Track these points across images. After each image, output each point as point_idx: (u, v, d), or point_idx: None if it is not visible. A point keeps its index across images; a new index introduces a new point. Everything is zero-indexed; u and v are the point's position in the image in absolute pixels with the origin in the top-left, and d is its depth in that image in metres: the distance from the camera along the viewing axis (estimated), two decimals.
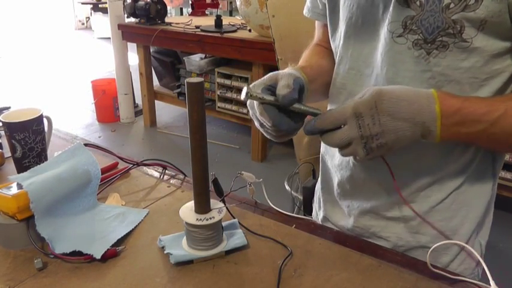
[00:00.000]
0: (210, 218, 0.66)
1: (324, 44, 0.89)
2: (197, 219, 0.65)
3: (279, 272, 0.63)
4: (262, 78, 0.67)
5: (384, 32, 0.67)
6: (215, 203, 0.69)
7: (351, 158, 0.78)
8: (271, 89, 0.64)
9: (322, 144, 0.92)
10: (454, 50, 0.61)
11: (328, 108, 0.85)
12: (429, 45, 0.62)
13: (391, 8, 0.64)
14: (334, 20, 0.78)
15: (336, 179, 0.84)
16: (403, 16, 0.63)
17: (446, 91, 0.62)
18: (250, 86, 0.63)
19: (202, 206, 0.66)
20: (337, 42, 0.78)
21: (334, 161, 0.84)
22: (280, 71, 0.67)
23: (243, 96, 0.61)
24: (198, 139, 0.62)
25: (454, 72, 0.63)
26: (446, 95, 0.59)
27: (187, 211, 0.67)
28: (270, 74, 0.66)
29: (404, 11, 0.63)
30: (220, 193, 0.72)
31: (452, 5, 0.59)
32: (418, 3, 0.61)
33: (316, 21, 0.90)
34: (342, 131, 0.59)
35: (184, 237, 0.69)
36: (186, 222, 0.66)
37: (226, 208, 0.69)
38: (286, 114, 0.63)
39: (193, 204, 0.67)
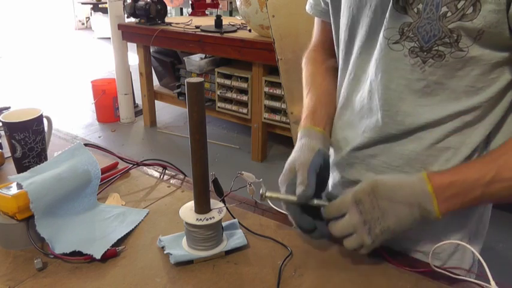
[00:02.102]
0: (210, 218, 0.65)
1: (321, 45, 0.88)
2: (197, 219, 0.65)
3: (279, 272, 0.63)
4: (284, 170, 0.69)
5: (379, 38, 0.66)
6: (215, 203, 0.69)
7: (344, 166, 0.79)
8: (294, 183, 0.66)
9: None
10: (451, 60, 0.60)
11: (335, 119, 0.85)
12: (425, 53, 0.62)
13: (387, 14, 0.63)
14: (337, 22, 0.78)
15: (330, 180, 0.84)
16: (400, 23, 0.62)
17: (434, 171, 0.63)
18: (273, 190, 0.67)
19: (202, 206, 0.66)
20: (341, 46, 0.78)
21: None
22: (296, 158, 0.69)
23: (257, 198, 0.67)
24: (198, 139, 0.62)
25: (449, 81, 0.62)
26: (436, 174, 0.61)
27: (187, 211, 0.67)
28: (289, 163, 0.69)
29: (402, 17, 0.62)
30: (220, 193, 0.72)
31: (449, 14, 0.58)
32: (415, 10, 0.60)
33: (316, 18, 0.90)
34: (345, 218, 0.62)
35: (184, 237, 0.69)
36: (186, 222, 0.66)
37: (226, 208, 0.69)
38: (307, 210, 0.66)
39: (193, 204, 0.67)
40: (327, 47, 0.87)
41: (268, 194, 0.66)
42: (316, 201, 0.66)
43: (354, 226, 0.61)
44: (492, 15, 0.56)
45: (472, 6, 0.56)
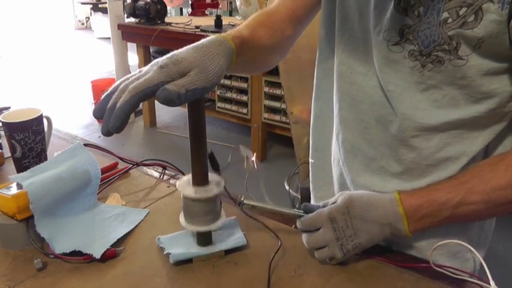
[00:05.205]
0: (209, 191, 0.64)
1: (284, 10, 0.79)
2: (195, 193, 0.64)
3: (269, 268, 0.63)
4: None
5: (379, 39, 0.65)
6: (213, 176, 0.67)
7: (341, 165, 0.79)
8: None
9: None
10: (450, 67, 0.60)
11: (313, 99, 0.86)
12: (424, 58, 0.61)
13: (388, 15, 0.63)
14: (332, 4, 0.75)
15: (334, 175, 0.84)
16: (400, 24, 0.62)
17: (407, 191, 0.64)
18: None
19: (200, 182, 0.65)
20: (326, 30, 0.77)
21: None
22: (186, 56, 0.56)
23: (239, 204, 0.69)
24: (198, 139, 0.62)
25: (448, 87, 0.62)
26: (408, 195, 0.63)
27: (185, 184, 0.66)
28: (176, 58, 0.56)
29: (402, 19, 0.62)
30: (216, 168, 0.69)
31: (450, 20, 0.57)
32: (416, 13, 0.60)
33: None
34: (319, 232, 0.64)
35: (182, 215, 0.68)
36: (185, 196, 0.65)
37: (225, 188, 0.67)
38: None
39: (190, 178, 0.66)
40: (295, 18, 0.80)
41: (246, 201, 0.68)
42: (292, 212, 0.68)
43: (326, 241, 0.64)
44: (493, 26, 0.55)
45: (473, 14, 0.55)
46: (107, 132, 0.52)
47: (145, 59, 3.63)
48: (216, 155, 0.68)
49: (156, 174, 0.95)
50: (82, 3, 8.98)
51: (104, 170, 0.91)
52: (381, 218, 0.62)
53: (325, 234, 0.63)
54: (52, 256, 0.67)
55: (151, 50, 3.71)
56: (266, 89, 2.93)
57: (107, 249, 0.67)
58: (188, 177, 0.67)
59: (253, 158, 0.73)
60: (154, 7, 3.37)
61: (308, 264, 0.66)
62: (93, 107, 3.93)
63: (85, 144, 0.86)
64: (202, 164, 0.64)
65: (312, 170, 0.92)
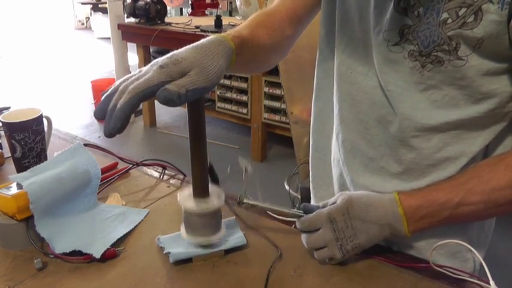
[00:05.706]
0: (210, 205, 0.65)
1: (284, 10, 0.79)
2: (197, 206, 0.64)
3: (267, 275, 0.63)
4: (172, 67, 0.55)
5: (379, 39, 0.65)
6: (213, 189, 0.68)
7: (341, 165, 0.79)
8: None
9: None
10: (449, 67, 0.60)
11: (313, 99, 0.86)
12: (424, 58, 0.61)
13: (388, 15, 0.63)
14: (332, 4, 0.76)
15: (334, 175, 0.84)
16: (400, 24, 0.62)
17: (407, 191, 0.64)
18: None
19: (201, 194, 0.65)
20: (326, 31, 0.77)
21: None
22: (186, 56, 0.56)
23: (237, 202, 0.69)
24: (197, 139, 0.62)
25: (448, 87, 0.62)
26: (407, 195, 0.63)
27: (186, 198, 0.66)
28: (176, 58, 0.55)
29: (402, 19, 0.62)
30: (215, 180, 0.70)
31: (449, 21, 0.58)
32: (416, 13, 0.60)
33: None
34: (318, 233, 0.64)
35: (183, 226, 0.68)
36: (185, 210, 0.65)
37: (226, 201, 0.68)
38: None
39: (191, 191, 0.66)
40: (295, 18, 0.80)
41: (245, 200, 0.68)
42: (292, 211, 0.68)
43: (326, 241, 0.63)
44: (493, 26, 0.55)
45: (473, 15, 0.56)
46: (109, 134, 0.53)
47: (145, 59, 3.63)
48: (216, 153, 0.69)
49: (156, 174, 0.95)
50: (82, 3, 8.98)
51: (104, 170, 0.91)
52: (380, 219, 0.62)
53: (325, 234, 0.63)
54: (52, 256, 0.67)
55: (151, 50, 3.71)
56: (266, 89, 2.93)
57: (107, 249, 0.67)
58: (189, 191, 0.67)
59: (250, 169, 0.74)
60: (154, 7, 3.37)
61: (308, 264, 0.66)
62: (93, 107, 3.97)
63: (85, 144, 0.86)
64: (202, 167, 0.64)
65: (312, 170, 0.92)
